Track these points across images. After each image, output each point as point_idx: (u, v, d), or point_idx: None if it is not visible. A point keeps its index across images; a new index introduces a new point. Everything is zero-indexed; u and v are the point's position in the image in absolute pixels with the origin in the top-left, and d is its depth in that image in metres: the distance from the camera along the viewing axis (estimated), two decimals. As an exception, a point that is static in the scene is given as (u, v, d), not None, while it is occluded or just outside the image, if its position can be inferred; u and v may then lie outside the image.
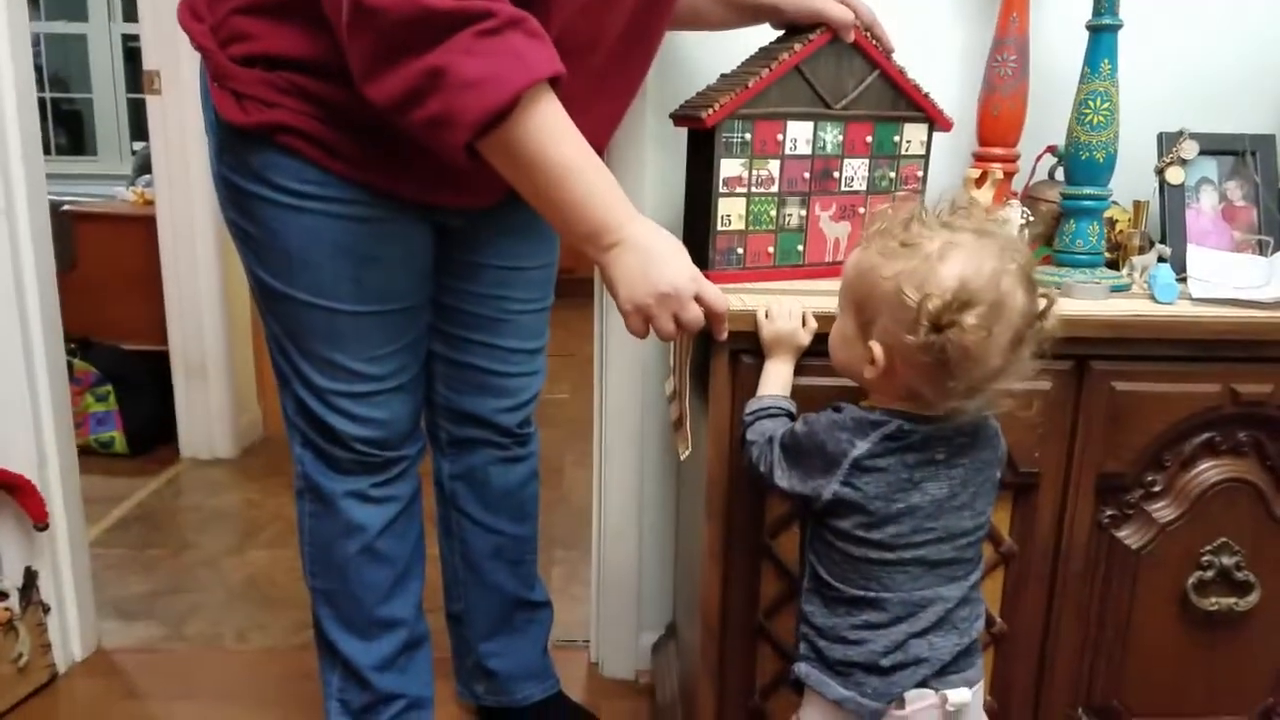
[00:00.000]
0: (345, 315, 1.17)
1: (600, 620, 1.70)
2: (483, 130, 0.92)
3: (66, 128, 5.28)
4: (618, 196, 1.00)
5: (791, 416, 1.01)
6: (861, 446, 0.90)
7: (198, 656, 1.75)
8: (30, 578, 1.59)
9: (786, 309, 1.06)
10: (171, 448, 2.75)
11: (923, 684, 0.92)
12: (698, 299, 1.00)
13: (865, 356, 0.90)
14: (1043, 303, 0.88)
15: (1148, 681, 1.21)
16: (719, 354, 1.11)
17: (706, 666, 1.19)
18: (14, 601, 1.57)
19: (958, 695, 0.92)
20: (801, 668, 0.98)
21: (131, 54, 5.03)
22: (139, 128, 4.82)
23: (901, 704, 0.92)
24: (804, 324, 1.05)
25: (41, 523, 1.56)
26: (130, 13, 4.94)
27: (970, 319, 0.82)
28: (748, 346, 1.08)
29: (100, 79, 5.18)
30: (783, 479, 0.96)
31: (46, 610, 1.62)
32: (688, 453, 1.17)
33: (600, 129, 1.23)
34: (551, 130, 0.95)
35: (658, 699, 1.53)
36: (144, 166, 3.13)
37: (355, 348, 1.19)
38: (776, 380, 1.05)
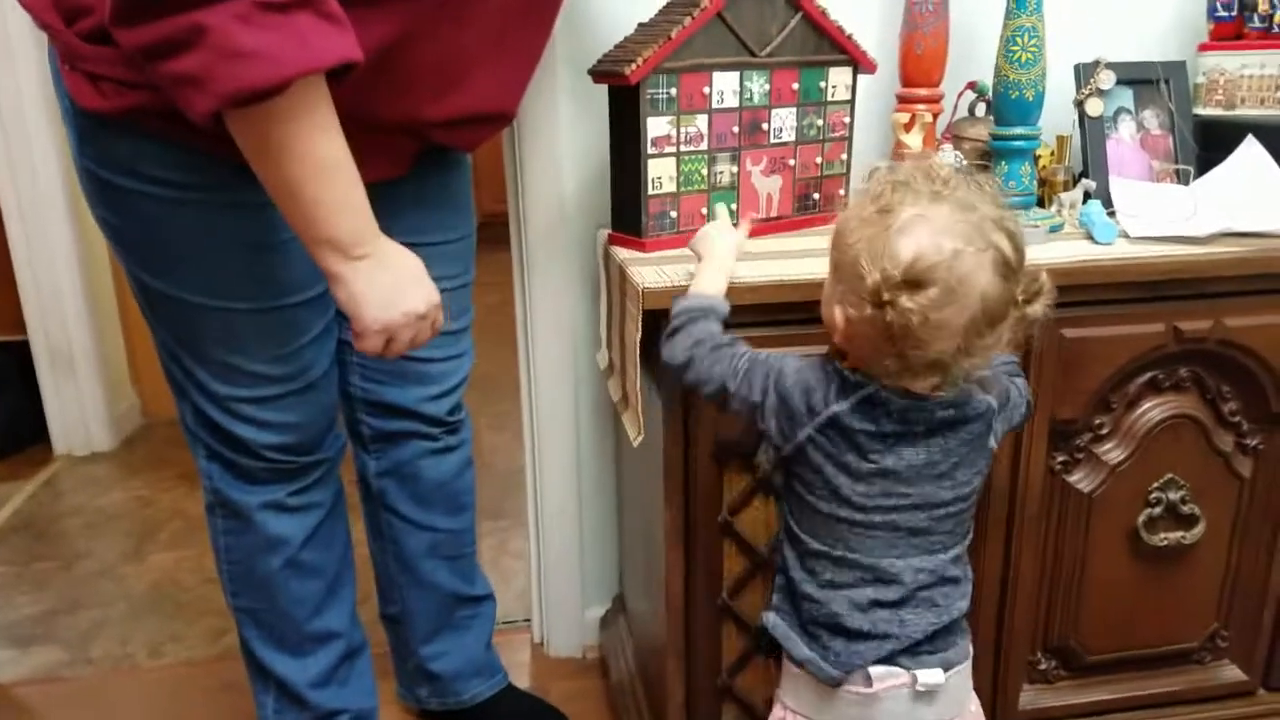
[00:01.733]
0: (242, 314, 1.05)
1: (544, 600, 1.64)
2: (236, 104, 0.80)
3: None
4: (368, 208, 0.92)
5: (723, 321, 0.97)
6: (840, 405, 0.87)
7: (108, 681, 1.61)
8: (-99, 622, 1.43)
9: (722, 218, 1.04)
10: (44, 445, 2.53)
11: (891, 661, 0.89)
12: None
13: (833, 321, 0.87)
14: (1030, 288, 0.84)
15: (1103, 620, 1.23)
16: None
17: (673, 650, 1.15)
18: (-114, 651, 1.40)
19: (929, 676, 0.89)
20: (770, 617, 0.96)
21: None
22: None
23: (869, 681, 0.90)
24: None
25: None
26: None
27: (907, 300, 0.78)
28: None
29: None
30: (760, 420, 0.91)
31: (-75, 654, 1.46)
32: (641, 437, 1.11)
33: (507, 91, 1.13)
34: (320, 122, 0.85)
35: (612, 677, 1.49)
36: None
37: (256, 348, 1.07)
38: (708, 282, 1.00)
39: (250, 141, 0.85)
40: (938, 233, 0.79)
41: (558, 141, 1.39)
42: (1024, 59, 1.19)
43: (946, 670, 0.90)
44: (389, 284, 0.93)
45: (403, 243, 1.18)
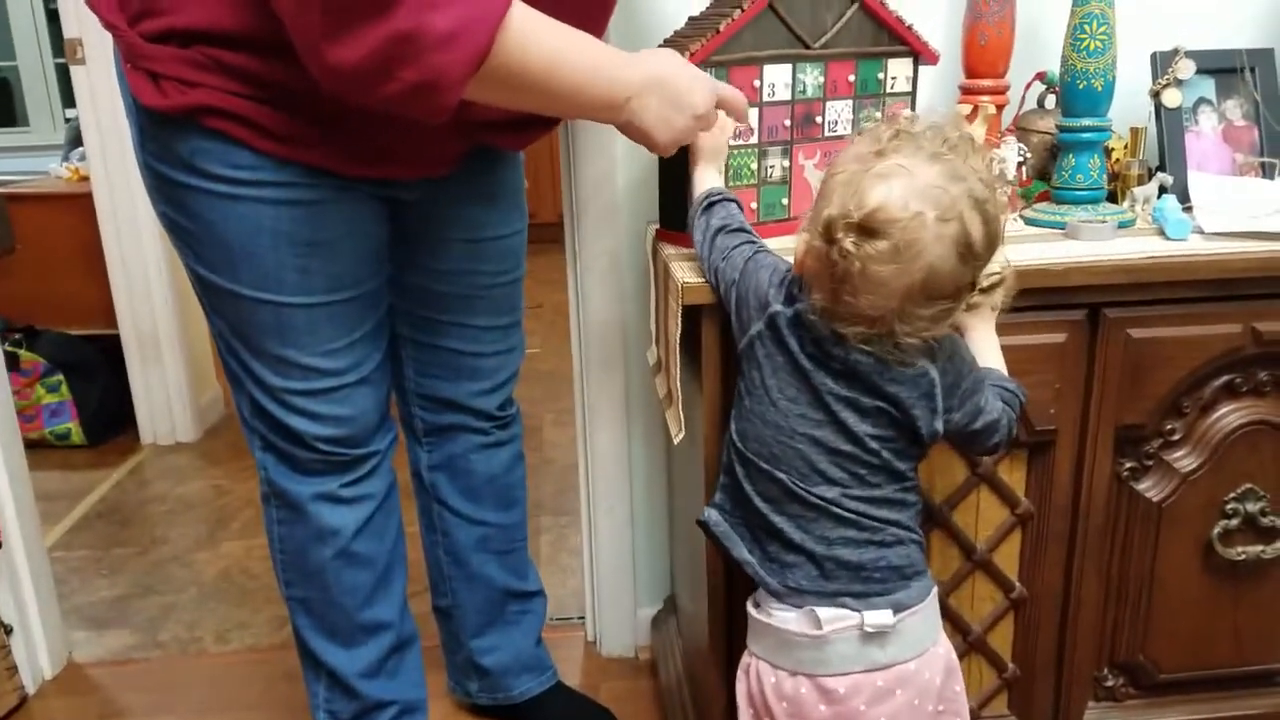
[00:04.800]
0: (294, 308, 1.07)
1: (596, 597, 1.64)
2: (475, 71, 0.83)
3: (-6, 98, 5.01)
4: (609, 53, 0.96)
5: (736, 201, 1.05)
6: (779, 306, 0.90)
7: (175, 664, 1.67)
8: (-13, 600, 1.50)
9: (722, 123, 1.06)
10: (131, 435, 2.63)
11: (838, 602, 0.90)
12: (719, 103, 1.02)
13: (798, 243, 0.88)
14: (991, 278, 0.84)
15: (1174, 636, 1.17)
16: (709, 330, 1.02)
17: (715, 651, 1.13)
18: (-28, 625, 1.48)
19: (876, 617, 0.89)
20: (711, 514, 0.98)
21: (55, 16, 4.74)
22: (70, 94, 4.58)
23: (818, 624, 0.90)
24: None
25: (-8, 544, 1.46)
26: (50, -26, 4.67)
27: (853, 243, 0.79)
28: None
29: (24, 45, 4.90)
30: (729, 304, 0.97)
31: (9, 631, 1.53)
32: (681, 434, 1.09)
33: None
34: (531, 38, 0.86)
35: (661, 678, 1.48)
36: (75, 140, 2.94)
37: (309, 342, 1.09)
38: (711, 179, 1.06)
39: (497, 96, 0.89)
40: (911, 191, 0.79)
41: (611, 139, 1.39)
42: (1092, 47, 1.14)
43: (897, 612, 0.89)
44: (662, 106, 0.97)
45: (457, 240, 1.21)
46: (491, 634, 1.40)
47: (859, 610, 0.89)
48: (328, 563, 1.20)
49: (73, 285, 2.65)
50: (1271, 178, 1.24)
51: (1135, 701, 1.21)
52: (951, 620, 1.15)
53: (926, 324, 0.83)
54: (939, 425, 0.89)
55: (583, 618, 1.69)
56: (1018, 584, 1.14)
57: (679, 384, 1.10)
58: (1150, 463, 1.11)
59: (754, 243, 0.99)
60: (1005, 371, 0.97)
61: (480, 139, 1.11)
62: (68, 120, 4.26)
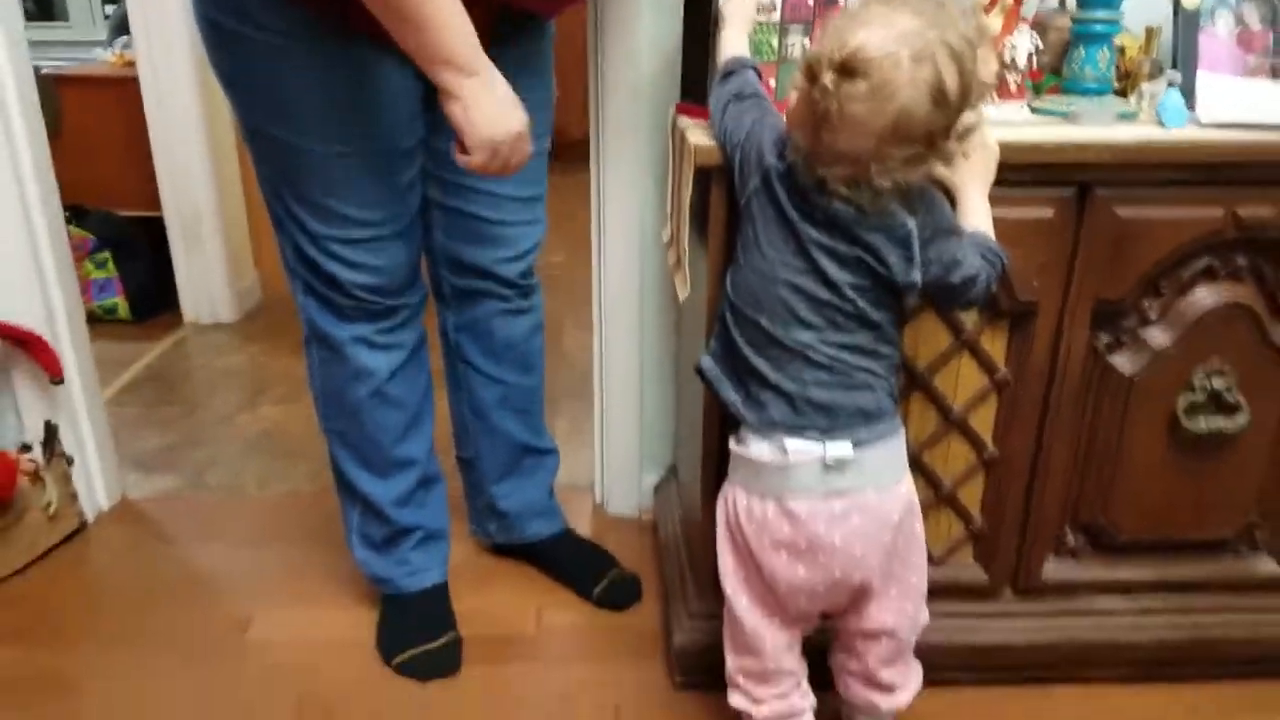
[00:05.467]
0: (337, 157, 1.16)
1: (604, 464, 1.76)
2: None
3: (34, -2, 5.05)
4: (475, 35, 1.02)
5: (755, 69, 1.11)
6: (773, 160, 0.99)
7: (221, 503, 1.82)
8: (51, 431, 1.64)
9: None
10: (174, 313, 2.76)
11: (804, 435, 0.99)
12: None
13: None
14: (965, 127, 0.91)
15: (1136, 502, 1.26)
16: (716, 192, 1.11)
17: (707, 514, 1.22)
18: (38, 453, 1.62)
19: (837, 449, 0.99)
20: (705, 361, 1.08)
21: (96, -93, 4.76)
22: (112, -9, 4.61)
23: (785, 453, 1.00)
24: None
25: (57, 376, 1.59)
26: None
27: (833, 82, 0.86)
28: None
29: (65, -63, 4.92)
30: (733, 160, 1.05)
31: (70, 462, 1.67)
32: (687, 293, 1.18)
33: None
34: None
35: (660, 536, 1.60)
36: (119, 28, 3.01)
37: (349, 192, 1.18)
38: (736, 45, 1.12)
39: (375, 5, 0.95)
40: (890, 36, 0.85)
41: (637, 23, 1.45)
42: (1107, -60, 1.18)
43: (857, 447, 0.99)
44: (495, 102, 1.04)
45: None
46: (509, 481, 1.53)
47: (822, 442, 0.99)
48: (364, 401, 1.32)
49: (118, 168, 2.75)
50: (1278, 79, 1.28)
51: (1092, 560, 1.31)
52: (925, 474, 1.25)
53: (900, 167, 0.90)
54: (916, 276, 0.97)
55: (593, 484, 1.81)
56: (990, 445, 1.23)
57: (687, 247, 1.18)
58: (1126, 338, 1.19)
59: (763, 107, 1.06)
60: (992, 235, 1.04)
61: (511, 4, 1.17)
62: (106, 17, 4.31)
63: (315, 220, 1.21)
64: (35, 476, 1.59)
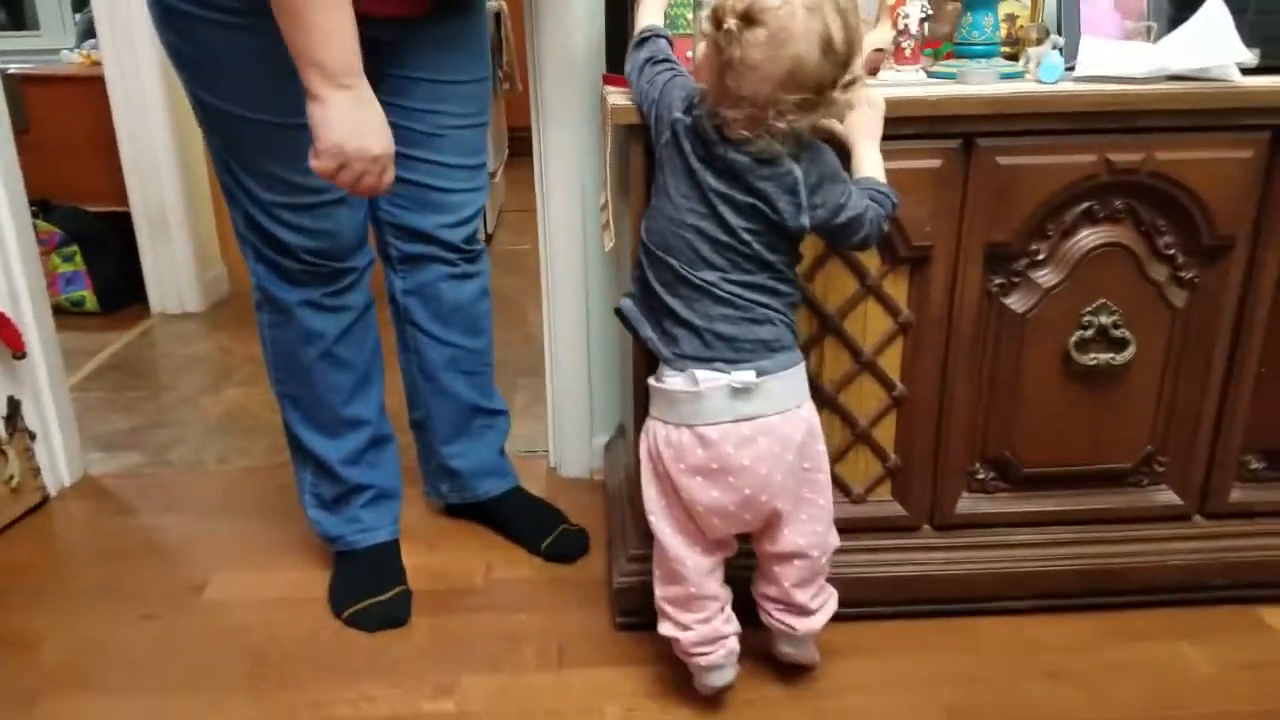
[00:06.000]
0: (282, 128, 1.22)
1: (556, 428, 1.84)
2: None
3: (4, 3, 5.09)
4: (358, 50, 1.07)
5: (666, 37, 1.21)
6: (679, 114, 1.09)
7: (181, 479, 1.88)
8: (14, 406, 1.70)
9: None
10: (142, 305, 2.83)
11: (712, 365, 1.09)
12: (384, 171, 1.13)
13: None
14: (850, 79, 1.01)
15: (1037, 435, 1.35)
16: (635, 150, 1.19)
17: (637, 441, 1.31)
18: (0, 428, 1.67)
19: (741, 375, 1.08)
20: (625, 303, 1.17)
21: (65, -81, 4.80)
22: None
23: (695, 382, 1.09)
24: None
25: (19, 350, 1.65)
26: (57, -128, 4.72)
27: (736, 28, 0.97)
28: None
29: (34, -53, 4.96)
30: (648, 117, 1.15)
31: (33, 437, 1.74)
32: (612, 244, 1.27)
33: None
34: None
35: (609, 489, 1.68)
36: (87, 32, 3.08)
37: (293, 160, 1.25)
38: (650, 15, 1.22)
39: None
40: None
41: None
42: (989, -88, 1.28)
43: (760, 375, 1.08)
44: (357, 120, 1.09)
45: (424, 80, 1.37)
46: (459, 442, 1.60)
47: (728, 371, 1.08)
48: (313, 362, 1.39)
49: (85, 164, 2.81)
50: (1153, 40, 1.38)
51: (1003, 494, 1.40)
52: (841, 414, 1.34)
53: (793, 110, 1.01)
54: (805, 220, 1.07)
55: (547, 450, 1.89)
56: (899, 384, 1.32)
57: (613, 201, 1.27)
58: (1018, 280, 1.28)
59: (674, 70, 1.15)
60: (883, 180, 1.14)
61: None
62: (76, 23, 4.36)
63: (262, 188, 1.28)
64: (-2, 451, 1.66)
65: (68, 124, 2.80)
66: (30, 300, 1.72)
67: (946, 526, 1.41)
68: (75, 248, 2.78)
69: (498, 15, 3.42)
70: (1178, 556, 1.41)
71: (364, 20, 1.22)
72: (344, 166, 1.10)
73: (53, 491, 1.80)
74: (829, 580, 1.25)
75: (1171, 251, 1.27)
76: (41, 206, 2.76)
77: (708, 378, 1.09)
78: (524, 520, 1.64)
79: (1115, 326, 1.29)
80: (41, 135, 2.77)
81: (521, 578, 1.56)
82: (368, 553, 1.50)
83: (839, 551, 1.25)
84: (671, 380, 1.11)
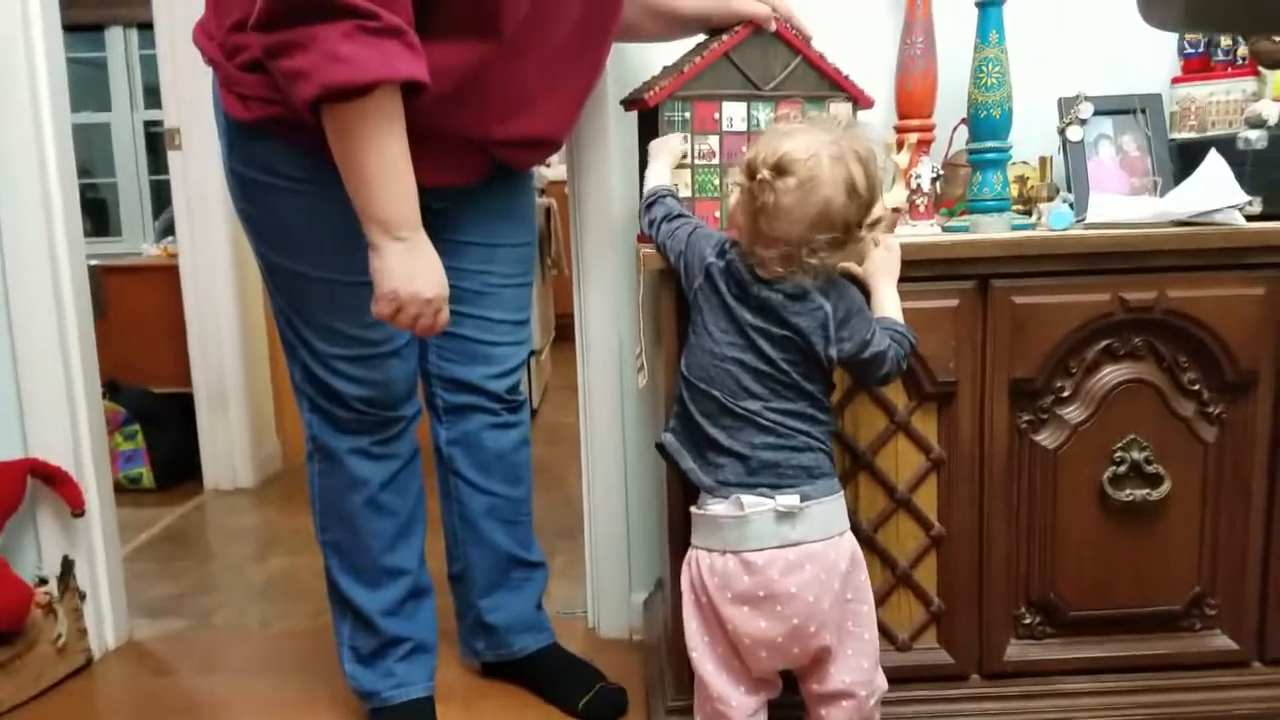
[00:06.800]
0: (341, 285, 1.33)
1: (594, 587, 1.83)
2: (331, 97, 1.09)
3: (91, 213, 5.56)
4: (416, 205, 1.18)
5: (674, 196, 1.31)
6: (712, 258, 1.18)
7: (223, 640, 1.89)
8: (68, 566, 1.74)
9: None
10: (196, 481, 2.91)
11: (757, 491, 1.12)
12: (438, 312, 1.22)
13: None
14: (874, 218, 1.11)
15: (1080, 575, 1.33)
16: (665, 295, 1.27)
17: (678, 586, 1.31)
18: (53, 587, 1.72)
19: (786, 499, 1.11)
20: (666, 437, 1.21)
21: (152, 140, 5.34)
22: (160, 208, 5.10)
23: (741, 507, 1.11)
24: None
25: (79, 508, 1.71)
26: (151, 100, 5.28)
27: (769, 177, 1.07)
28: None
29: (124, 163, 5.48)
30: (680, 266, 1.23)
31: (83, 597, 1.77)
32: (645, 381, 1.33)
33: (560, 121, 1.42)
34: (389, 127, 1.13)
35: (646, 640, 1.65)
36: (166, 230, 3.36)
37: (351, 315, 1.35)
38: (662, 173, 1.33)
39: (336, 129, 1.14)
40: (811, 143, 1.07)
41: (608, 168, 1.68)
42: (989, 84, 1.40)
43: (804, 500, 1.11)
44: (412, 267, 1.18)
45: (475, 244, 1.48)
46: (497, 594, 1.60)
47: (773, 496, 1.11)
48: (358, 509, 1.43)
49: (154, 347, 3.00)
50: (1160, 195, 1.46)
51: (1052, 639, 1.36)
52: (880, 555, 1.33)
53: (824, 248, 1.09)
54: (833, 352, 1.13)
55: (585, 612, 1.87)
56: (936, 522, 1.32)
57: (646, 343, 1.34)
58: (1045, 416, 1.31)
59: (691, 223, 1.26)
60: (901, 321, 1.20)
61: (497, 155, 1.39)
62: (156, 224, 4.76)
63: (322, 341, 1.37)
64: (48, 609, 1.68)
65: (141, 310, 3.01)
66: (94, 466, 1.80)
67: (996, 675, 1.36)
68: (137, 426, 2.90)
69: (548, 210, 3.69)
70: (1242, 705, 1.34)
71: (419, 189, 1.36)
72: (400, 310, 1.19)
73: (97, 654, 1.81)
74: (879, 732, 1.21)
75: (1196, 387, 1.30)
76: (109, 387, 2.91)
77: (753, 502, 1.11)
78: (561, 678, 1.61)
79: (1148, 462, 1.29)
80: (117, 320, 2.97)
81: (560, 738, 1.52)
82: (403, 709, 1.48)
83: (885, 702, 1.22)
84: (714, 507, 1.14)
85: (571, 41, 1.33)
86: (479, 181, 1.43)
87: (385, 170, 1.15)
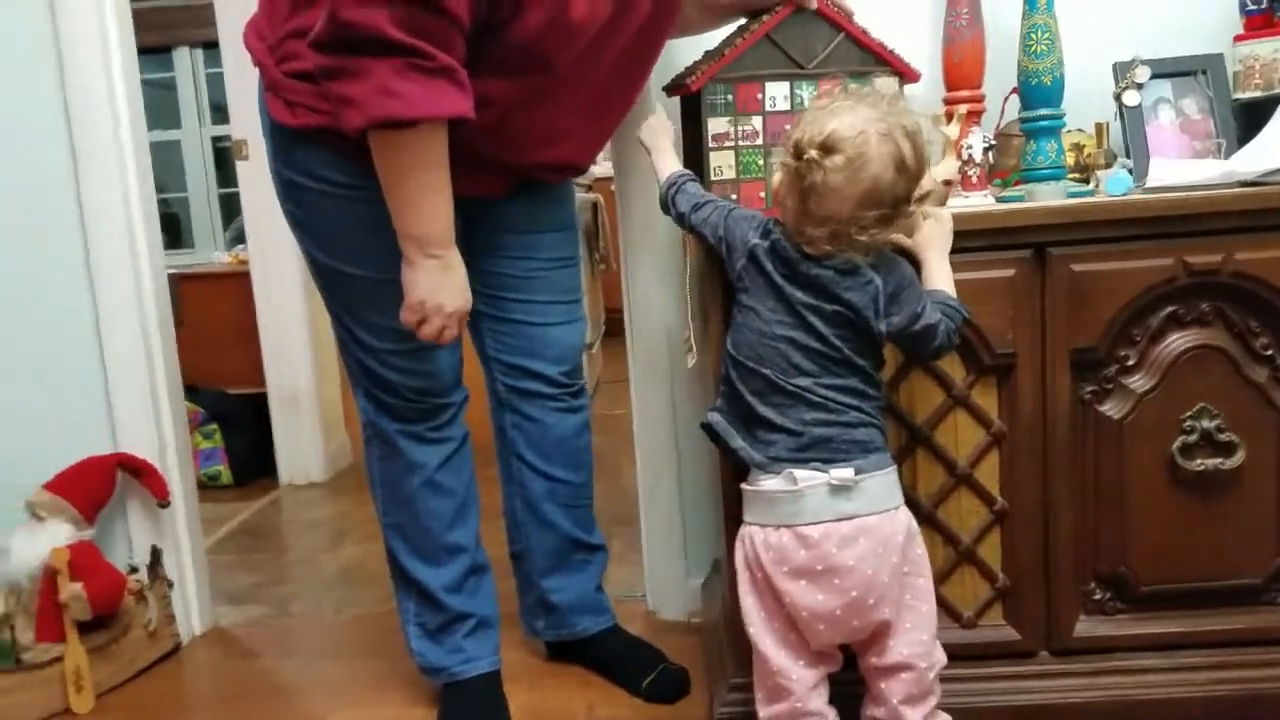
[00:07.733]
0: (388, 283, 1.32)
1: (651, 571, 1.86)
2: (377, 127, 1.14)
3: (165, 227, 5.74)
4: (451, 226, 1.24)
5: (692, 179, 1.30)
6: (755, 239, 1.17)
7: (300, 627, 1.96)
8: (156, 555, 1.82)
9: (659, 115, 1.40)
10: (271, 477, 3.01)
11: (809, 465, 1.11)
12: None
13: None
14: (922, 192, 1.09)
15: (1152, 548, 1.30)
16: (712, 280, 1.28)
17: (731, 563, 1.31)
18: (143, 575, 1.80)
19: (840, 472, 1.11)
20: (713, 416, 1.20)
21: (221, 155, 5.51)
22: (228, 221, 5.28)
23: (795, 481, 1.11)
24: None
25: (164, 499, 1.80)
26: (218, 117, 5.46)
27: (817, 157, 1.05)
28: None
29: (194, 178, 5.68)
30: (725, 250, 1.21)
31: (170, 585, 1.85)
32: (694, 360, 1.34)
33: (596, 143, 1.47)
34: (435, 154, 1.18)
35: (705, 622, 1.66)
36: (237, 238, 3.48)
37: (397, 311, 1.37)
38: (667, 161, 1.34)
39: (380, 153, 1.19)
40: (858, 121, 1.05)
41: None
42: (1039, 50, 1.37)
43: (858, 474, 1.11)
44: (439, 281, 1.25)
45: (515, 232, 1.49)
46: (558, 575, 1.62)
47: (827, 469, 1.10)
48: (417, 490, 1.47)
49: (229, 351, 3.11)
50: (1224, 157, 1.41)
51: (1123, 615, 1.32)
52: (942, 532, 1.31)
53: (873, 225, 1.08)
54: (883, 326, 1.12)
55: (644, 595, 1.89)
56: (999, 497, 1.30)
57: (693, 323, 1.34)
58: (1110, 386, 1.27)
59: (721, 206, 1.25)
60: (953, 293, 1.18)
61: (529, 175, 1.42)
62: (227, 233, 4.92)
63: (371, 336, 1.41)
64: (140, 596, 1.77)
65: (215, 316, 3.12)
66: (178, 462, 1.88)
67: (1064, 651, 1.34)
68: (215, 426, 3.01)
69: (595, 205, 3.71)
70: (1329, 683, 1.29)
71: (455, 199, 1.36)
72: (424, 320, 1.25)
73: (185, 640, 1.89)
74: (942, 709, 1.20)
75: (1269, 352, 1.25)
76: (188, 390, 3.02)
77: (807, 476, 1.11)
78: (623, 659, 1.62)
79: (1220, 430, 1.25)
80: (192, 326, 3.07)
81: (622, 717, 1.54)
82: (473, 684, 1.51)
83: (950, 679, 1.21)
84: (767, 482, 1.14)
85: (615, 76, 1.36)
86: (504, 194, 1.45)
87: (424, 194, 1.20)
